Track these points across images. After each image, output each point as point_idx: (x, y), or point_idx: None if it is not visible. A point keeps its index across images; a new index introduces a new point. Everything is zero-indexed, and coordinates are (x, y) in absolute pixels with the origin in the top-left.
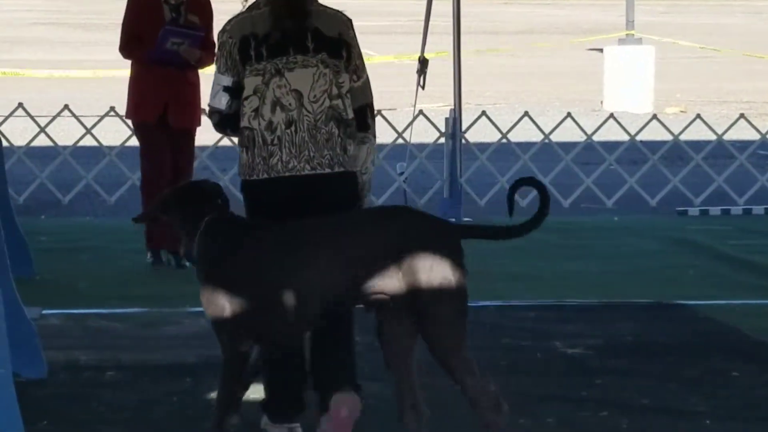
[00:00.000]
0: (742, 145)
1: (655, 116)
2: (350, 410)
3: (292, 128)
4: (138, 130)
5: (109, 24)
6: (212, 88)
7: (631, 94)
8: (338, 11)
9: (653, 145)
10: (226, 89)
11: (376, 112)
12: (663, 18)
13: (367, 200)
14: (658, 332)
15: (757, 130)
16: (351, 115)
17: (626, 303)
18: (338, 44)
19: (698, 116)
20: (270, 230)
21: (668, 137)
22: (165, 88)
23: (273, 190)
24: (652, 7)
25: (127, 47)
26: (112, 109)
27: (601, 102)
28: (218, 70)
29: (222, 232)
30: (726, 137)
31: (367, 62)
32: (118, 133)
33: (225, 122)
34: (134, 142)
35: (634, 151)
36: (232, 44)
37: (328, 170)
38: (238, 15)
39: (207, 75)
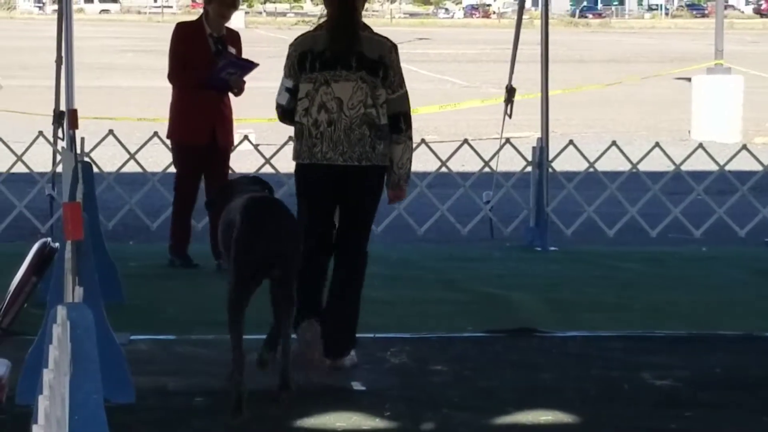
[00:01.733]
0: None
1: (744, 146)
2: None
3: (332, 127)
4: (183, 152)
5: None
6: (279, 87)
7: (720, 123)
8: (384, 39)
9: (742, 176)
10: (287, 90)
11: (468, 141)
12: (752, 47)
13: (404, 190)
14: (749, 365)
15: None
16: (384, 121)
17: (716, 335)
18: (377, 65)
19: None
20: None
21: (757, 167)
22: (212, 111)
23: (313, 173)
24: (741, 36)
25: (179, 74)
26: None
27: (689, 131)
28: (284, 74)
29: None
30: None
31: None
32: None
33: (286, 115)
34: None
35: (722, 181)
36: (294, 56)
37: (356, 163)
38: (305, 33)
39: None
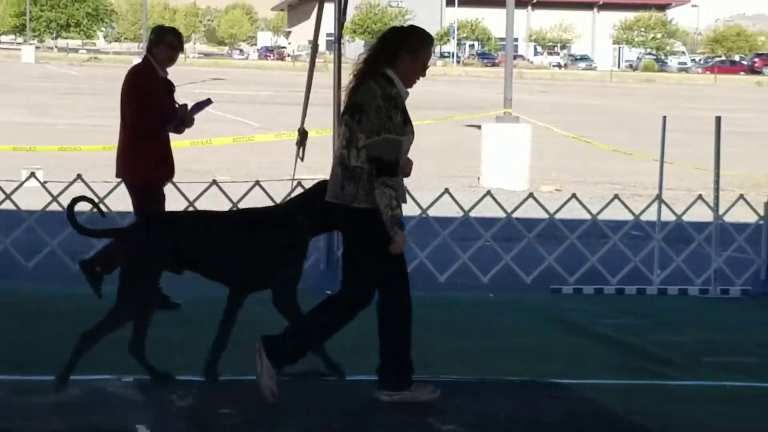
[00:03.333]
0: (616, 225)
1: (531, 194)
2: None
3: (331, 166)
4: (149, 189)
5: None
6: None
7: (508, 171)
8: (378, 90)
9: (529, 223)
10: None
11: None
12: (539, 97)
13: (396, 240)
14: (532, 410)
15: (630, 211)
16: (354, 163)
17: (501, 380)
18: (357, 109)
19: (573, 195)
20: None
21: (544, 215)
22: (169, 148)
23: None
24: (530, 85)
25: (152, 117)
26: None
27: (478, 178)
28: None
29: None
30: (600, 217)
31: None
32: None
33: None
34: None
35: (510, 228)
36: None
37: (330, 200)
38: None
39: None
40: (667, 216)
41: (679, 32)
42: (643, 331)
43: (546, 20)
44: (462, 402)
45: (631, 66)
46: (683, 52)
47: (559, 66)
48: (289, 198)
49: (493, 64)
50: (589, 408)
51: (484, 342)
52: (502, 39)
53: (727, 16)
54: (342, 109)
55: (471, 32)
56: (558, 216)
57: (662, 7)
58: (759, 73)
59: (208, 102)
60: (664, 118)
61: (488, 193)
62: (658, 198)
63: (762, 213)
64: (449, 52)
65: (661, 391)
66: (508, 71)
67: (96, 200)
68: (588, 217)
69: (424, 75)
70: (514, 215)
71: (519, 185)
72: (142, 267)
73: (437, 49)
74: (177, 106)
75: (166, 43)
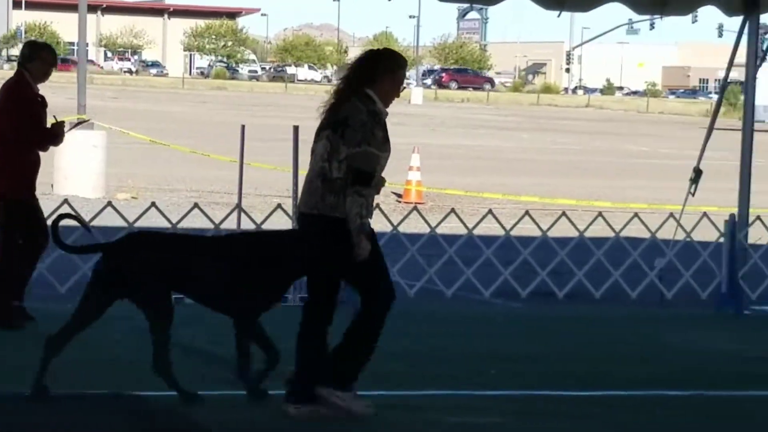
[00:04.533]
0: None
1: (109, 202)
2: None
3: (305, 179)
4: (23, 207)
5: None
6: None
7: (82, 178)
8: (362, 107)
9: (107, 232)
10: None
11: None
12: (113, 103)
13: (362, 247)
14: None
15: (210, 220)
16: (336, 175)
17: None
18: (341, 123)
19: (153, 204)
20: None
21: (123, 224)
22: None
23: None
24: (102, 91)
25: (33, 132)
26: None
27: (52, 186)
28: None
29: None
30: (181, 225)
31: None
32: None
33: None
34: None
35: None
36: None
37: (307, 211)
38: None
39: None
40: (247, 224)
41: (249, 40)
42: None
43: (116, 25)
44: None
45: (202, 73)
46: (254, 60)
47: (130, 72)
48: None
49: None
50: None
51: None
52: (71, 43)
53: (296, 25)
54: (319, 126)
55: (39, 35)
56: (137, 224)
57: (233, 15)
58: (446, 87)
59: (84, 121)
60: (243, 126)
61: (65, 201)
62: (238, 207)
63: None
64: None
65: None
66: (82, 76)
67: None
68: (169, 225)
69: (398, 95)
70: (93, 223)
71: (94, 193)
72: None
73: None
74: (55, 122)
75: (41, 59)
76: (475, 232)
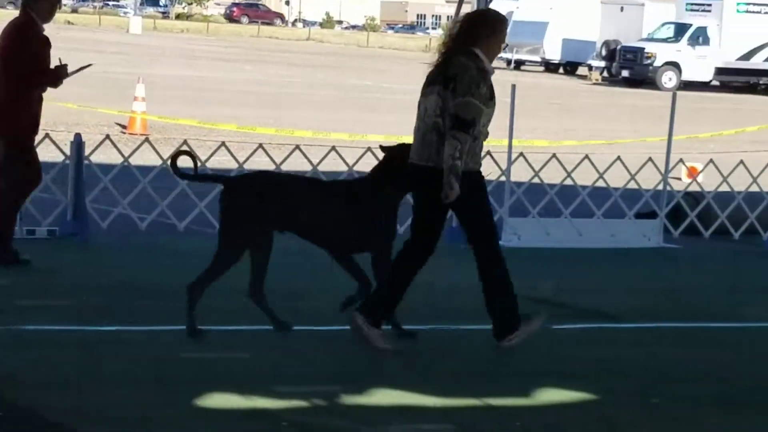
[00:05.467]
0: None
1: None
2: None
3: (417, 132)
4: (26, 145)
5: None
6: None
7: None
8: (472, 65)
9: None
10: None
11: None
12: None
13: (452, 187)
14: None
15: None
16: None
17: None
18: (452, 79)
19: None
20: None
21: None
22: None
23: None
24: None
25: (42, 73)
26: None
27: None
28: None
29: None
30: None
31: None
32: None
33: None
34: None
35: None
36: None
37: (423, 163)
38: None
39: None
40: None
41: None
42: None
43: None
44: None
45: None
46: None
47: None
48: (374, 168)
49: None
50: None
51: None
52: None
53: None
54: (426, 80)
55: None
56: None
57: None
58: (237, 21)
59: (88, 66)
60: None
61: None
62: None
63: (68, 152)
64: None
65: None
66: None
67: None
68: None
69: (500, 53)
70: None
71: None
72: (245, 217)
73: None
74: (59, 64)
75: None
76: (209, 164)
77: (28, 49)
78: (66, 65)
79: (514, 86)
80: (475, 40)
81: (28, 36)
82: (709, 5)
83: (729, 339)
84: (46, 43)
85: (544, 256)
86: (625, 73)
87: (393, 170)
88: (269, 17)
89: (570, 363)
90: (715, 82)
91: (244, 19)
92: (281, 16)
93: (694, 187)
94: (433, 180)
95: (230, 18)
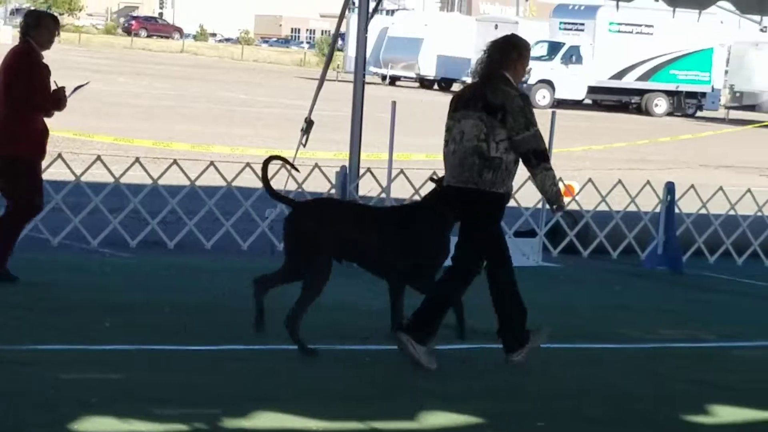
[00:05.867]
0: None
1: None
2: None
3: (454, 155)
4: (34, 165)
5: None
6: None
7: None
8: (513, 92)
9: None
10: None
11: None
12: None
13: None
14: None
15: None
16: (494, 154)
17: None
18: (499, 109)
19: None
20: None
21: None
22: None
23: (446, 190)
24: None
25: (47, 98)
26: None
27: None
28: None
29: None
30: None
31: None
32: None
33: None
34: None
35: None
36: (451, 100)
37: (462, 185)
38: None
39: None
40: None
41: None
42: None
43: None
44: None
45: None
46: None
47: None
48: (427, 195)
49: None
50: None
51: None
52: None
53: None
54: (458, 105)
55: None
56: None
57: None
58: (136, 35)
59: (86, 84)
60: None
61: None
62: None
63: None
64: None
65: None
66: None
67: None
68: None
69: (524, 76)
70: None
71: None
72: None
73: None
74: (56, 87)
75: (44, 26)
76: (83, 178)
77: (32, 76)
78: (63, 87)
79: (394, 103)
80: (505, 65)
81: (33, 64)
82: (582, 24)
83: (608, 357)
84: (46, 70)
85: None
86: None
87: (443, 197)
88: (167, 31)
89: (452, 385)
90: (588, 101)
91: (143, 33)
92: (180, 30)
93: (572, 206)
94: (477, 201)
95: (128, 31)
